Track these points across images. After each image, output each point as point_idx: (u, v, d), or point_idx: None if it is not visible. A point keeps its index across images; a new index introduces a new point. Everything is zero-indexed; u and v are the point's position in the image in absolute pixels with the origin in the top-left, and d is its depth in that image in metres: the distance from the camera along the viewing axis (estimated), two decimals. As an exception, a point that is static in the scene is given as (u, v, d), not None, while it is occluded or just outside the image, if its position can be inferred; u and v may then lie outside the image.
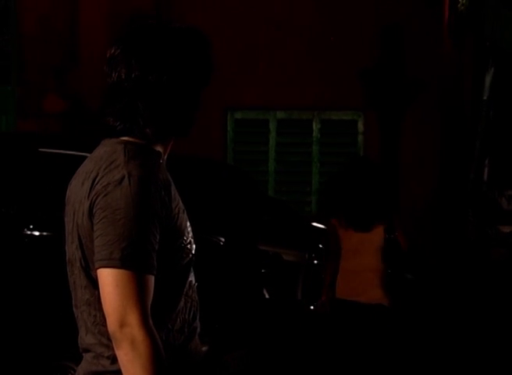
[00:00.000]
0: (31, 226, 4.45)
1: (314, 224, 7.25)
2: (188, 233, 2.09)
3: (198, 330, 2.16)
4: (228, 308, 5.15)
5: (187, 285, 2.11)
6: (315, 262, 6.36)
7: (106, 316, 1.98)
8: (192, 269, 2.13)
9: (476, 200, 10.29)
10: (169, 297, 2.07)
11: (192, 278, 2.14)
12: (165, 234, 2.02)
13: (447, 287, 8.69)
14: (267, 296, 5.82)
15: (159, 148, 2.11)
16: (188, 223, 2.11)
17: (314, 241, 6.52)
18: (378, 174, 5.17)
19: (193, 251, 2.12)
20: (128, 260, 1.96)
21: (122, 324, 1.96)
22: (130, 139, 2.09)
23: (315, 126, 9.74)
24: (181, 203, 2.09)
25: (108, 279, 1.97)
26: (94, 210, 2.01)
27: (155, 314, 2.01)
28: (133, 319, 1.95)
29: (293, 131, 9.78)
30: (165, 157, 2.15)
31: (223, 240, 5.54)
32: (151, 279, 1.99)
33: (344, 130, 9.73)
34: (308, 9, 9.59)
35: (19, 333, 4.28)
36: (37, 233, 4.46)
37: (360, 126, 9.69)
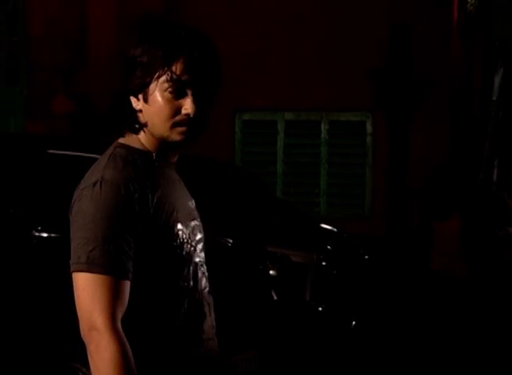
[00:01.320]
0: (39, 228, 4.45)
1: (323, 225, 7.23)
2: (181, 234, 2.07)
3: (208, 334, 2.13)
4: (236, 310, 5.13)
5: (188, 287, 2.08)
6: (324, 263, 6.34)
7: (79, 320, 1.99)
8: (198, 270, 2.12)
9: (485, 200, 10.25)
10: (158, 300, 2.04)
11: (196, 280, 2.11)
12: (146, 237, 2.01)
13: (461, 290, 8.66)
14: (275, 297, 5.81)
15: (156, 151, 2.10)
16: (183, 224, 2.08)
17: (322, 243, 6.50)
18: None
19: (191, 252, 2.09)
20: (94, 264, 1.96)
21: (89, 328, 1.96)
22: (127, 142, 2.09)
23: (323, 128, 9.72)
24: (177, 203, 2.09)
25: (77, 282, 1.99)
26: (71, 215, 2.03)
27: (142, 318, 2.01)
28: (99, 323, 1.94)
29: (302, 132, 9.77)
30: (172, 160, 2.14)
31: (231, 241, 5.53)
32: (121, 282, 1.97)
33: (352, 131, 9.71)
34: (317, 10, 9.57)
35: (28, 334, 4.27)
36: (45, 234, 4.45)
37: (369, 127, 9.67)
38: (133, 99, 2.07)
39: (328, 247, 6.36)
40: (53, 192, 4.78)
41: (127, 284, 1.98)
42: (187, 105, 2.03)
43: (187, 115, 2.04)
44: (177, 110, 2.04)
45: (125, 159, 2.05)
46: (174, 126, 2.05)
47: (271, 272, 5.82)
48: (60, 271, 4.36)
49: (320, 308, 5.98)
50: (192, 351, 2.08)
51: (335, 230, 7.11)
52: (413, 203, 9.54)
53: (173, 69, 2.01)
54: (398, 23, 9.49)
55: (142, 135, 2.09)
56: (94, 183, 2.00)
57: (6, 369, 4.28)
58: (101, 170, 2.03)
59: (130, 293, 2.00)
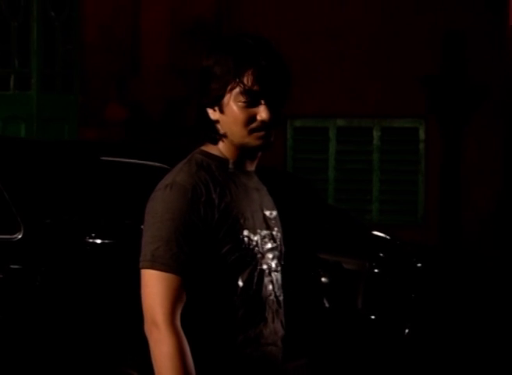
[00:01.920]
0: (93, 234, 4.49)
1: (375, 233, 7.18)
2: (247, 240, 2.15)
3: (268, 339, 2.19)
4: (288, 317, 5.12)
5: (249, 291, 2.15)
6: (376, 271, 6.30)
7: None
8: (263, 277, 2.19)
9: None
10: (217, 300, 2.13)
11: (260, 286, 2.18)
12: (209, 240, 2.11)
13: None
14: (327, 305, 5.78)
15: (235, 158, 2.20)
16: (250, 231, 2.17)
17: (374, 250, 6.46)
18: None
19: (257, 259, 2.17)
20: (157, 262, 2.08)
21: (151, 322, 2.07)
22: (207, 148, 2.21)
23: (376, 134, 9.67)
24: (247, 211, 2.18)
25: (143, 278, 2.11)
26: (145, 214, 2.16)
27: (200, 316, 2.11)
28: (159, 318, 2.05)
29: (353, 139, 9.73)
30: (250, 168, 2.24)
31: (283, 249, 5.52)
32: (181, 281, 2.08)
33: (405, 137, 9.64)
34: (369, 15, 9.54)
35: (81, 339, 4.31)
36: (98, 241, 4.49)
37: (422, 134, 9.59)
38: (209, 110, 2.18)
39: (381, 254, 6.32)
40: (106, 199, 4.82)
41: (184, 283, 2.08)
42: (262, 113, 2.15)
43: (263, 121, 2.15)
44: (252, 117, 2.16)
45: (199, 164, 2.16)
46: (251, 132, 2.16)
47: (323, 279, 5.80)
48: (113, 277, 4.40)
49: (372, 316, 5.94)
50: (248, 352, 2.15)
51: (387, 237, 7.06)
52: (467, 211, 9.44)
53: (244, 80, 2.13)
54: (452, 28, 9.40)
55: (221, 144, 2.20)
56: (166, 186, 2.12)
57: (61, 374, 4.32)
58: (175, 174, 2.15)
59: (191, 292, 2.09)
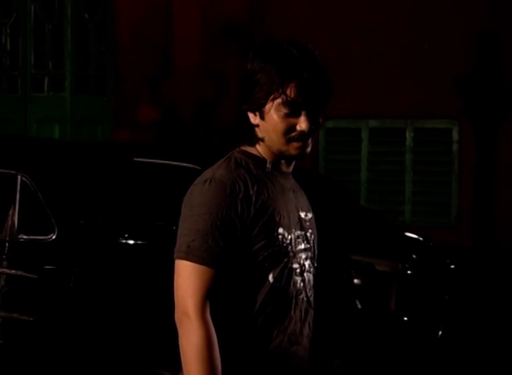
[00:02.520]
0: (126, 235, 4.51)
1: (408, 234, 7.15)
2: (281, 238, 2.19)
3: (292, 337, 2.22)
4: (320, 318, 5.11)
5: (278, 288, 2.18)
6: (409, 272, 6.26)
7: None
8: (293, 276, 2.22)
9: None
10: (246, 293, 2.17)
11: (288, 284, 2.21)
12: (245, 235, 2.15)
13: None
14: (359, 306, 5.77)
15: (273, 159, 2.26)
16: (285, 230, 2.21)
17: (407, 251, 6.43)
18: None
19: (288, 258, 2.20)
20: (192, 254, 2.13)
21: (181, 312, 2.12)
22: (246, 148, 2.27)
23: (409, 135, 9.62)
24: (283, 210, 2.22)
25: (177, 269, 2.16)
26: (182, 207, 2.21)
27: (228, 308, 2.15)
28: (190, 309, 2.10)
29: (386, 140, 9.69)
30: (286, 169, 2.29)
31: (315, 249, 5.51)
32: (214, 273, 2.12)
33: (438, 138, 9.58)
34: (402, 16, 9.49)
35: (114, 340, 4.33)
36: (131, 241, 4.51)
37: (455, 135, 9.52)
38: (250, 114, 2.24)
39: (414, 256, 6.28)
40: (139, 200, 4.84)
41: (217, 275, 2.13)
42: (302, 123, 2.20)
43: (302, 131, 2.20)
44: (292, 127, 2.20)
45: (238, 162, 2.23)
46: (290, 141, 2.21)
47: (355, 280, 5.78)
48: (146, 278, 4.41)
49: (405, 318, 5.91)
50: (272, 349, 2.17)
51: (420, 238, 7.02)
52: (501, 212, 9.36)
53: (287, 92, 2.18)
54: (485, 29, 9.33)
55: (259, 146, 2.26)
56: (205, 181, 2.17)
57: None
58: (215, 170, 2.20)
59: (222, 285, 2.14)
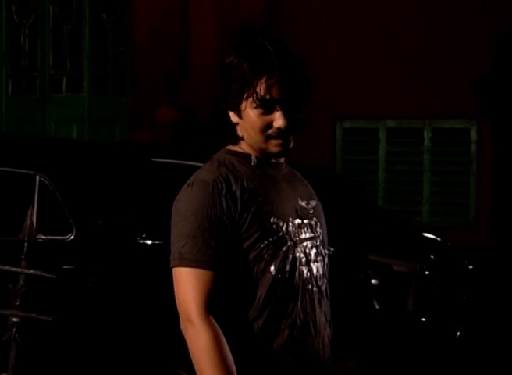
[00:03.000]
0: (144, 235, 4.52)
1: (426, 234, 7.13)
2: (275, 227, 2.15)
3: (302, 330, 2.17)
4: (337, 319, 5.10)
5: (282, 278, 2.14)
6: (427, 273, 6.25)
7: None
8: (297, 265, 2.17)
9: None
10: (246, 287, 2.14)
11: (293, 274, 2.16)
12: (235, 230, 2.12)
13: None
14: (377, 307, 5.75)
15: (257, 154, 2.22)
16: (280, 219, 2.16)
17: (425, 252, 6.41)
18: None
19: (288, 247, 2.16)
20: (185, 258, 2.10)
21: (185, 319, 2.09)
22: (231, 147, 2.23)
23: (426, 135, 9.59)
24: (276, 199, 2.18)
25: (174, 277, 2.13)
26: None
27: (230, 306, 2.11)
28: (193, 314, 2.07)
29: (404, 140, 9.66)
30: (275, 161, 2.24)
31: (333, 249, 5.50)
32: (210, 274, 2.09)
33: (456, 138, 9.54)
34: (420, 16, 9.46)
35: (132, 340, 4.34)
36: (149, 241, 4.52)
37: (473, 135, 9.48)
38: (230, 113, 2.20)
39: (432, 256, 6.26)
40: (157, 200, 4.85)
41: (214, 275, 2.10)
42: (278, 120, 2.14)
43: (279, 128, 2.15)
44: (269, 124, 2.15)
45: (221, 162, 2.19)
46: (268, 138, 2.17)
47: (373, 281, 5.77)
48: (164, 278, 4.42)
49: (423, 319, 5.89)
50: (280, 343, 2.13)
51: (438, 239, 7.00)
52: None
53: (257, 89, 2.12)
54: (505, 29, 9.29)
55: (243, 143, 2.22)
56: (188, 185, 2.16)
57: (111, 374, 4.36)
58: (197, 173, 2.18)
59: (223, 283, 2.10)
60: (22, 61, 10.34)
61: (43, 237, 4.38)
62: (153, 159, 5.44)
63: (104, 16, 10.12)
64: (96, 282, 4.35)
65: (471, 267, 6.64)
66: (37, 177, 4.48)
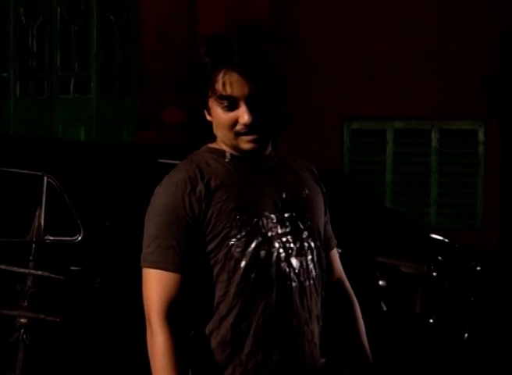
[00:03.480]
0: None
1: (433, 236, 7.11)
2: (242, 223, 2.08)
3: (291, 327, 2.10)
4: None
5: (254, 278, 2.07)
6: (434, 274, 6.24)
7: None
8: (278, 261, 2.10)
9: None
10: (207, 299, 2.09)
11: (268, 269, 2.09)
12: (204, 230, 2.08)
13: None
14: (384, 308, 5.75)
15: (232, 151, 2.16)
16: (247, 213, 2.09)
17: (433, 253, 6.40)
18: None
19: (261, 243, 2.09)
20: (147, 259, 2.09)
21: (146, 320, 2.08)
22: (210, 144, 2.21)
23: (434, 136, 9.58)
24: (251, 195, 2.11)
25: (142, 277, 2.12)
26: None
27: (201, 309, 2.07)
28: (151, 316, 2.06)
29: (411, 141, 9.65)
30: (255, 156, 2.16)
31: (340, 251, 5.50)
32: (171, 275, 2.06)
33: (464, 139, 9.53)
34: (427, 17, 9.45)
35: (140, 341, 4.34)
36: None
37: (481, 136, 9.47)
38: (205, 111, 2.17)
39: (439, 257, 6.25)
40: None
41: (178, 277, 2.06)
42: (243, 115, 2.08)
43: (245, 124, 2.08)
44: (236, 120, 2.10)
45: (194, 159, 2.16)
46: (238, 135, 2.11)
47: (380, 282, 5.77)
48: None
49: (431, 320, 5.88)
50: (253, 343, 2.08)
51: (446, 240, 6.99)
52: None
53: (216, 85, 2.06)
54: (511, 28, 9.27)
55: (219, 140, 2.19)
56: (158, 186, 2.16)
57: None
58: (171, 172, 2.16)
59: (193, 284, 2.07)
60: (30, 62, 10.36)
61: (51, 238, 4.39)
62: (160, 160, 5.45)
63: (112, 18, 10.13)
64: (103, 283, 4.35)
65: (478, 268, 6.63)
66: (45, 178, 4.49)
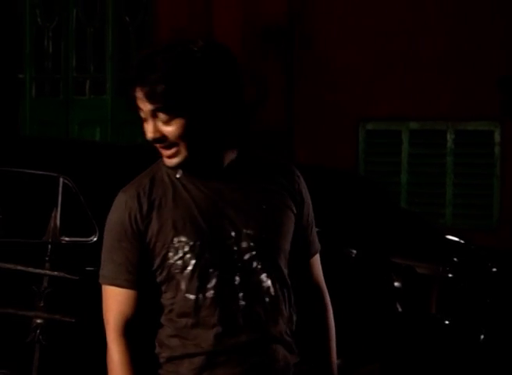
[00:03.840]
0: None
1: (449, 237, 7.09)
2: (179, 244, 2.04)
3: (239, 349, 2.06)
4: (360, 322, 5.08)
5: (196, 298, 2.05)
6: (450, 275, 6.22)
7: None
8: (217, 281, 2.06)
9: None
10: (165, 308, 2.10)
11: (204, 289, 2.06)
12: (146, 247, 2.07)
13: None
14: (400, 309, 5.73)
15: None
16: (185, 235, 2.05)
17: (448, 254, 6.38)
18: None
19: (195, 263, 2.05)
20: (102, 275, 2.11)
21: (106, 334, 2.12)
22: None
23: (449, 137, 9.55)
24: (193, 213, 2.05)
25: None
26: None
27: (150, 330, 2.13)
28: (107, 332, 2.10)
29: (427, 142, 9.62)
30: (219, 167, 2.09)
31: (355, 252, 5.49)
32: (123, 292, 2.08)
33: (480, 140, 9.49)
34: (443, 17, 9.42)
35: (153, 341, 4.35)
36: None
37: (497, 137, 9.43)
38: None
39: (455, 259, 6.24)
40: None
41: (132, 293, 2.08)
42: (146, 131, 2.07)
43: (149, 140, 2.06)
44: None
45: (150, 172, 2.13)
46: (159, 150, 2.07)
47: (395, 283, 5.75)
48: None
49: (446, 322, 5.86)
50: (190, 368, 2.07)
51: (461, 241, 6.97)
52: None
53: (132, 98, 2.04)
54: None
55: None
56: (117, 194, 2.15)
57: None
58: (131, 182, 2.16)
59: (146, 301, 2.09)
60: (45, 64, 10.40)
61: (66, 239, 4.40)
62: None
63: (128, 19, 10.15)
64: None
65: (494, 270, 6.60)
66: (61, 179, 4.50)
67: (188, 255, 2.04)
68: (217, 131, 2.05)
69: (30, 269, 4.06)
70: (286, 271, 2.13)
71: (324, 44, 9.70)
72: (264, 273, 2.08)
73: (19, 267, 4.08)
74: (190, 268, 2.04)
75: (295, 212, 2.15)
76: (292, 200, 2.14)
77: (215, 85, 2.02)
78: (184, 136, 2.01)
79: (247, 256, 2.06)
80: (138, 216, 2.06)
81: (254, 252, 2.07)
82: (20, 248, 4.47)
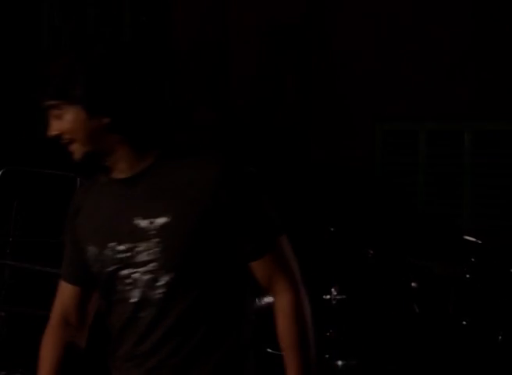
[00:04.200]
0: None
1: (466, 237, 7.08)
2: (90, 255, 2.09)
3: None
4: (378, 322, 5.08)
5: (107, 307, 2.12)
6: (467, 276, 6.21)
7: None
8: (125, 294, 2.07)
9: None
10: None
11: (112, 303, 2.11)
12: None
13: None
14: (417, 310, 5.72)
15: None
16: (96, 245, 2.09)
17: (466, 255, 6.37)
18: None
19: (104, 273, 2.08)
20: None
21: None
22: None
23: (467, 137, 9.51)
24: (106, 221, 2.07)
25: None
26: None
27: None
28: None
29: (444, 142, 9.59)
30: (125, 174, 2.07)
31: (372, 252, 5.49)
32: (64, 285, 2.19)
33: (498, 141, 9.45)
34: (461, 15, 9.39)
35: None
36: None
37: (515, 137, 9.40)
38: None
39: (472, 259, 6.22)
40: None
41: (74, 288, 2.17)
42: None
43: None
44: None
45: (93, 179, 2.18)
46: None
47: (413, 284, 5.74)
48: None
49: (464, 322, 5.85)
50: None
51: (479, 241, 6.95)
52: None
53: None
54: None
55: None
56: None
57: None
58: None
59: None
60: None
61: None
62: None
63: (144, 19, 10.18)
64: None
65: (512, 270, 6.58)
66: (78, 179, 4.52)
67: (98, 265, 2.09)
68: (121, 131, 2.02)
69: (48, 269, 4.08)
70: (200, 280, 2.02)
71: (341, 44, 9.69)
72: (158, 290, 2.01)
73: (37, 267, 4.10)
74: (102, 279, 2.10)
75: (214, 217, 2.00)
76: (208, 206, 2.00)
77: (109, 84, 2.03)
78: (77, 132, 2.05)
79: (150, 267, 2.00)
80: (70, 224, 2.18)
81: (152, 266, 2.00)
82: (38, 248, 4.50)
